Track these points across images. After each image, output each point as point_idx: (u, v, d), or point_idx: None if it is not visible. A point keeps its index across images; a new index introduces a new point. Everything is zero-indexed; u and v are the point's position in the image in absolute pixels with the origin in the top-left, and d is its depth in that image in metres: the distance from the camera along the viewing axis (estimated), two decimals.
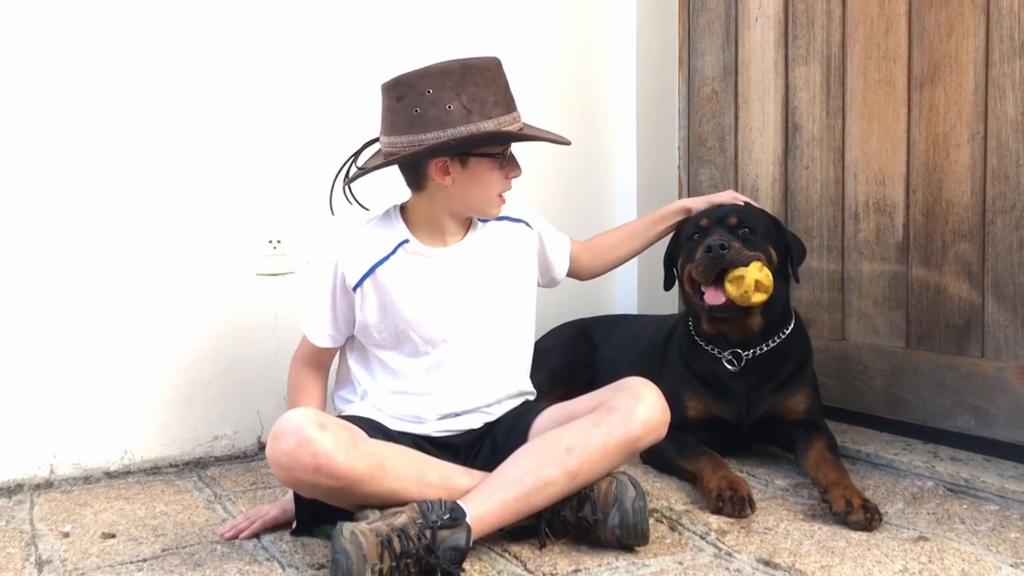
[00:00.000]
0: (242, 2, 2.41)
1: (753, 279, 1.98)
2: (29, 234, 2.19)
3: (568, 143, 1.83)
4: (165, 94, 2.34)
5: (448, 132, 1.69)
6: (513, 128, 1.74)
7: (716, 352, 2.14)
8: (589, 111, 2.81)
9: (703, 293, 2.06)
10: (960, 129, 2.24)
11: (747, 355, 2.11)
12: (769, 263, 2.06)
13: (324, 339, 1.88)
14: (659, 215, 2.22)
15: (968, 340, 2.25)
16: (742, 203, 2.14)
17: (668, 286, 2.28)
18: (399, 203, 1.91)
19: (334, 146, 2.44)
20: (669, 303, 2.84)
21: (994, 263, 2.18)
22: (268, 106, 2.45)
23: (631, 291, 2.94)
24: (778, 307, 2.14)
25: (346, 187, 1.84)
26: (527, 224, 1.97)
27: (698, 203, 2.19)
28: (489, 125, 1.70)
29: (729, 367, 2.12)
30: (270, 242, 2.46)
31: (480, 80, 1.70)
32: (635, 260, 2.68)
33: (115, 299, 2.29)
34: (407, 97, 1.72)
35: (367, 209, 1.91)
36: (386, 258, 1.83)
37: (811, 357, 2.24)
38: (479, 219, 1.90)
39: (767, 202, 2.70)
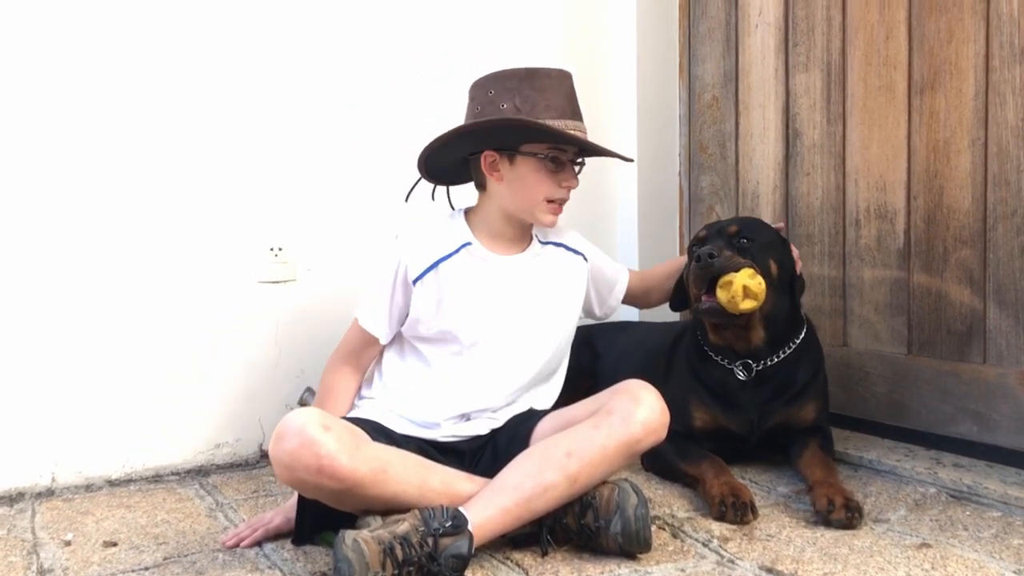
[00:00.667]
0: (240, 5, 2.41)
1: (741, 284, 1.96)
2: (32, 242, 2.19)
3: (630, 160, 1.87)
4: (164, 99, 2.34)
5: (487, 120, 1.76)
6: (568, 133, 1.76)
7: (726, 363, 2.13)
8: (590, 118, 2.73)
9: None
10: (960, 135, 2.24)
11: (757, 367, 2.11)
12: (767, 275, 2.06)
13: (381, 328, 1.89)
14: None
15: (970, 346, 2.24)
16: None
17: (674, 306, 2.27)
18: (464, 207, 1.96)
19: (335, 152, 2.50)
20: (671, 312, 2.80)
21: (995, 269, 2.18)
22: (267, 111, 2.45)
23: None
24: (781, 319, 2.13)
25: (432, 184, 1.95)
26: (584, 258, 2.03)
27: None
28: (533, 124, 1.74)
29: (740, 377, 2.12)
30: (271, 249, 2.46)
31: (539, 85, 1.76)
32: (637, 267, 2.79)
33: (116, 306, 2.29)
34: (476, 97, 1.82)
35: (453, 208, 1.97)
36: (449, 255, 1.87)
37: (823, 366, 2.23)
38: (540, 238, 1.95)
39: (768, 209, 2.71)
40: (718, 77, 2.89)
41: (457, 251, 1.88)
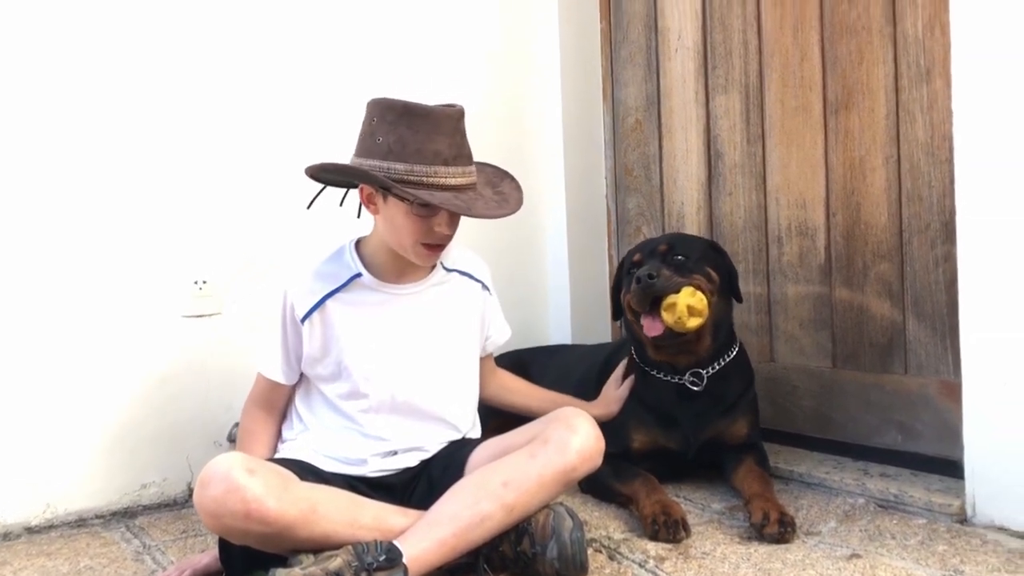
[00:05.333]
0: (155, 36, 2.36)
1: (685, 305, 1.98)
2: None
3: (501, 216, 1.79)
4: (81, 127, 2.28)
5: (359, 161, 1.72)
6: (440, 181, 1.70)
7: (671, 378, 2.14)
8: (517, 143, 2.84)
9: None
10: (875, 153, 2.28)
11: (707, 373, 2.12)
12: (710, 283, 2.07)
13: (277, 374, 1.85)
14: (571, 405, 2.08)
15: (892, 358, 2.28)
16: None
17: (616, 316, 2.29)
18: (355, 238, 1.91)
19: (259, 181, 2.47)
20: (603, 331, 2.88)
21: (912, 282, 2.23)
22: (186, 140, 2.40)
23: (564, 320, 2.94)
24: (725, 328, 2.16)
25: (343, 192, 1.89)
26: (486, 289, 1.99)
27: (612, 407, 2.19)
28: (399, 167, 1.68)
29: (692, 387, 2.12)
30: (195, 283, 2.42)
31: (416, 125, 1.69)
32: (568, 289, 2.84)
33: (32, 344, 2.22)
34: (365, 119, 1.76)
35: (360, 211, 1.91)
36: (337, 290, 1.82)
37: (753, 380, 2.26)
38: (444, 265, 1.91)
39: (693, 229, 2.73)
40: (641, 101, 2.91)
41: (346, 284, 1.83)
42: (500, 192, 1.84)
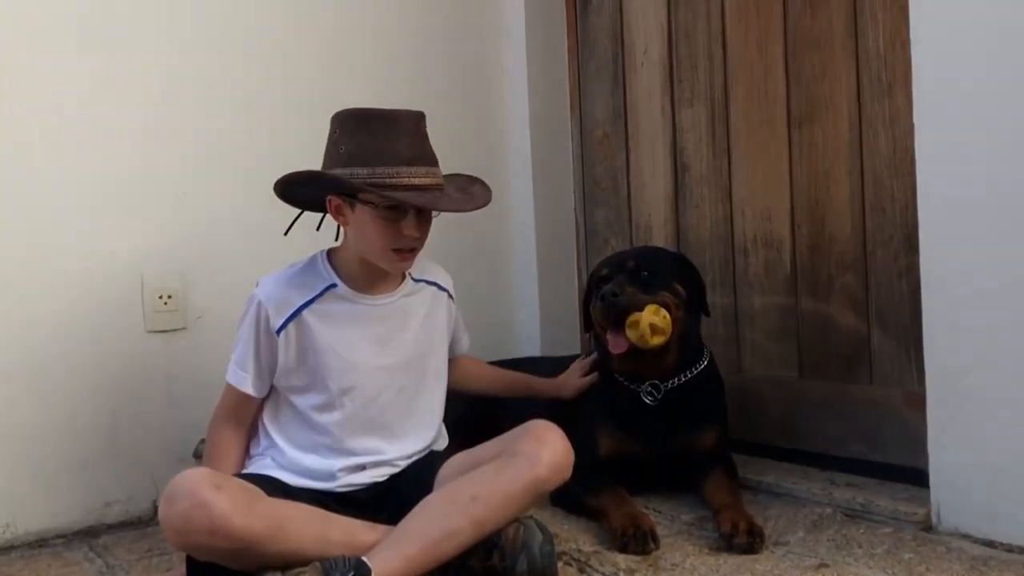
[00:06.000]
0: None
1: (648, 323, 2.00)
2: None
3: (467, 210, 1.82)
4: (50, 132, 2.25)
5: (323, 171, 1.74)
6: (403, 181, 1.72)
7: (634, 387, 2.15)
8: (485, 154, 2.84)
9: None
10: (839, 166, 2.29)
11: (665, 386, 2.13)
12: (676, 299, 2.09)
13: (248, 386, 1.83)
14: (530, 384, 2.28)
15: (857, 368, 2.29)
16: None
17: (586, 328, 2.30)
18: (325, 249, 1.90)
19: (226, 193, 2.45)
20: (571, 343, 2.86)
21: (876, 293, 2.24)
22: (153, 148, 2.38)
23: (534, 332, 2.93)
24: (691, 341, 2.17)
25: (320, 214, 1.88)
26: (451, 298, 2.02)
27: (566, 391, 2.26)
28: (362, 172, 1.70)
29: (647, 400, 2.13)
30: (160, 297, 2.39)
31: (375, 128, 1.71)
32: (536, 301, 2.85)
33: None
34: (329, 133, 1.78)
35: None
36: (313, 300, 1.81)
37: (723, 391, 2.27)
38: (413, 275, 1.92)
39: (660, 241, 2.73)
40: (608, 114, 2.91)
41: (321, 294, 1.82)
42: (468, 192, 1.86)
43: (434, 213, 1.80)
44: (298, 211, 1.91)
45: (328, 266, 1.85)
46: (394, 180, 1.70)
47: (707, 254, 2.62)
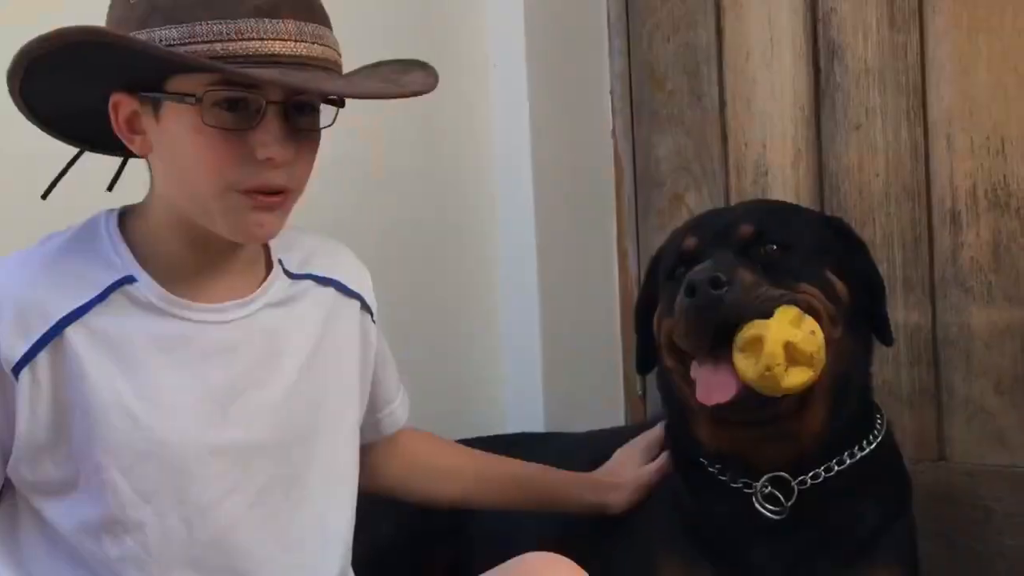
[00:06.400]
0: None
1: (781, 342, 1.40)
2: None
3: (364, 95, 1.31)
4: None
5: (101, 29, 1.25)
6: (251, 47, 1.19)
7: (741, 483, 1.59)
8: (441, 41, 2.10)
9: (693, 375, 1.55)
10: None
11: (800, 483, 1.55)
12: (832, 301, 1.54)
13: None
14: (550, 485, 1.71)
15: None
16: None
17: (642, 366, 1.74)
18: (114, 210, 1.36)
19: None
20: (609, 407, 2.17)
21: None
22: None
23: (531, 382, 2.10)
24: (855, 389, 1.59)
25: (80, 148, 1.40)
26: (367, 310, 1.48)
27: (618, 496, 1.68)
28: (172, 34, 1.18)
29: (765, 511, 1.54)
30: None
31: None
32: (538, 321, 2.11)
33: None
34: None
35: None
36: (87, 307, 1.25)
37: (909, 495, 1.64)
38: (288, 266, 1.40)
39: (788, 195, 2.02)
40: None
41: (103, 297, 1.27)
42: (391, 80, 1.34)
43: (319, 112, 1.28)
44: (71, 150, 1.41)
45: (119, 242, 1.30)
46: (235, 46, 1.18)
47: (876, 223, 1.94)
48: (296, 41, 1.21)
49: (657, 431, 1.71)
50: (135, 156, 1.36)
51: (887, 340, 1.57)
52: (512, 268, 2.19)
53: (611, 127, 2.26)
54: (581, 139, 2.23)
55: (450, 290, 2.19)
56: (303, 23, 1.21)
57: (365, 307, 1.44)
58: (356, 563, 1.50)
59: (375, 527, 1.66)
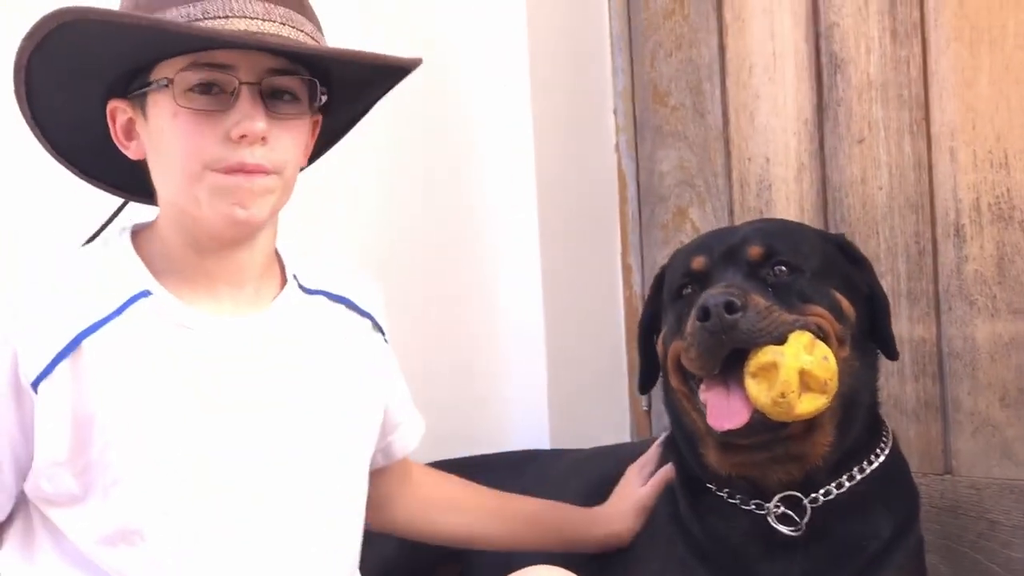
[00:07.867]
0: None
1: (795, 369, 1.41)
2: None
3: (403, 68, 1.36)
4: None
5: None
6: (219, 25, 1.24)
7: (755, 508, 1.58)
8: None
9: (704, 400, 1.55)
10: None
11: (812, 501, 1.55)
12: (841, 323, 1.54)
13: None
14: (557, 519, 1.70)
15: None
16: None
17: (644, 386, 1.74)
18: (127, 227, 1.41)
19: None
20: (613, 422, 2.18)
21: None
22: None
23: (536, 397, 2.11)
24: (863, 408, 1.60)
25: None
26: (379, 330, 1.50)
27: (619, 526, 1.69)
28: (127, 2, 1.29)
29: (782, 528, 1.55)
30: None
31: None
32: (542, 335, 2.11)
33: None
34: None
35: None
36: (104, 322, 1.28)
37: (918, 508, 1.66)
38: (303, 282, 1.43)
39: (791, 211, 2.05)
40: None
41: (121, 311, 1.30)
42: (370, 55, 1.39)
43: (303, 102, 1.31)
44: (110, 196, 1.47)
45: (134, 257, 1.36)
46: (201, 26, 1.23)
47: (880, 236, 1.95)
48: (263, 20, 1.25)
49: (653, 450, 1.72)
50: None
51: (892, 355, 1.58)
52: (516, 283, 2.21)
53: (615, 143, 2.30)
54: (585, 155, 2.25)
55: (454, 306, 2.20)
56: (272, 5, 1.25)
57: (377, 327, 1.46)
58: None
59: (382, 543, 1.66)
